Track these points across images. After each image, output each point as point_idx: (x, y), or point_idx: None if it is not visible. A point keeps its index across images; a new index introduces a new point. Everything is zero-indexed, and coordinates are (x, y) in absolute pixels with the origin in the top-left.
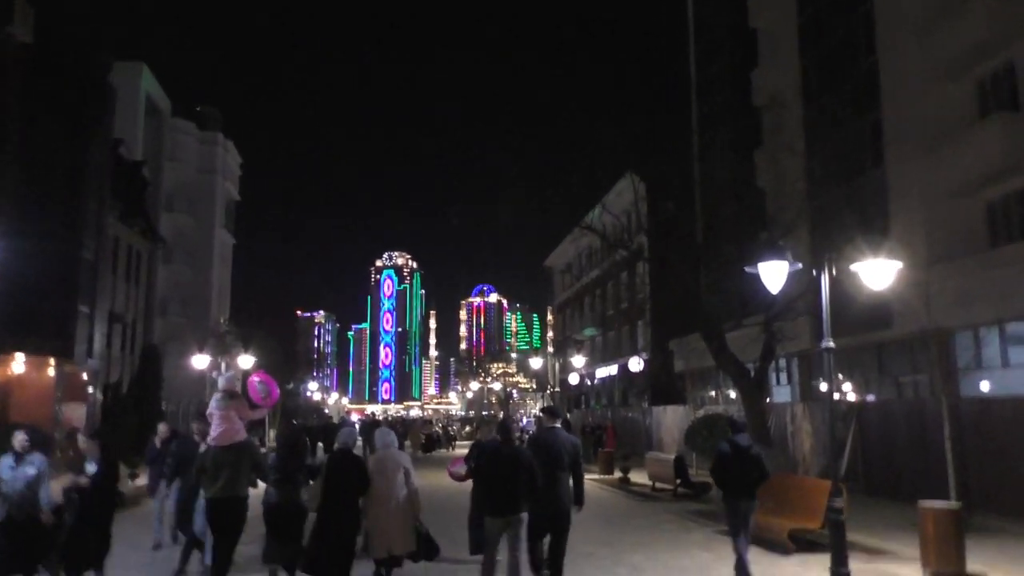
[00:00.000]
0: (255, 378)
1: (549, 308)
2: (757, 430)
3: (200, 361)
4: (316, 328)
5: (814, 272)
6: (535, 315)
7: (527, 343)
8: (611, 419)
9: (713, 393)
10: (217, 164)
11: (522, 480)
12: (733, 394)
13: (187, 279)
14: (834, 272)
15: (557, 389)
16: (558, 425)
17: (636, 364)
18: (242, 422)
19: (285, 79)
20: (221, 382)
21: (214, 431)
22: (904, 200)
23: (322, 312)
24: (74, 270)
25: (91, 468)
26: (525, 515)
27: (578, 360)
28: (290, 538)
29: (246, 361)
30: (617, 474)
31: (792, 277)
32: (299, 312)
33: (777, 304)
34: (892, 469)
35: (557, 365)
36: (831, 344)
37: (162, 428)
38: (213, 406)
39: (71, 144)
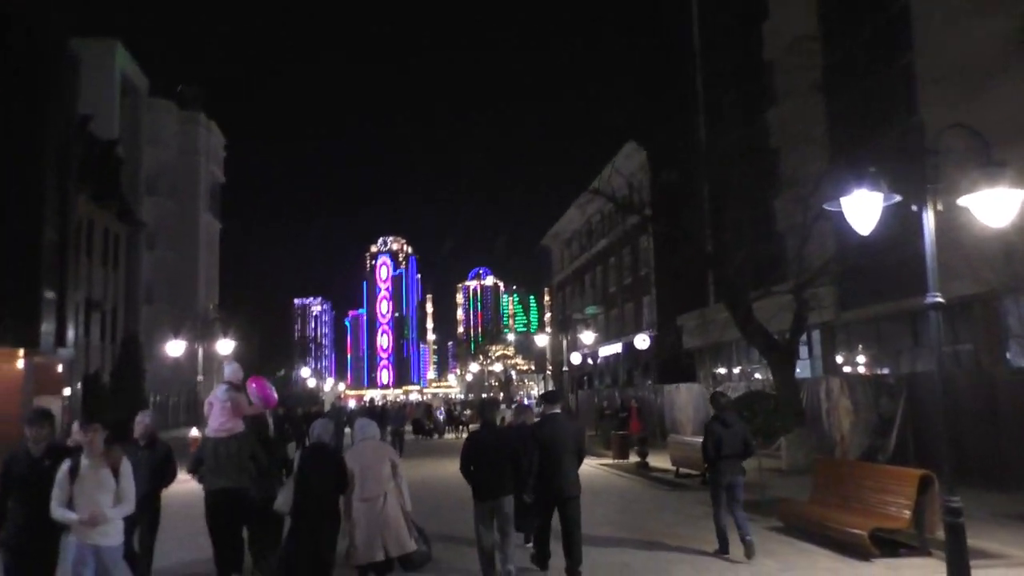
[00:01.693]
0: (252, 385)
1: (547, 288)
2: (790, 406)
3: (175, 348)
4: (312, 315)
5: (914, 207)
6: (532, 297)
7: (524, 325)
8: (634, 398)
9: (724, 370)
10: (199, 145)
11: (506, 464)
12: (751, 370)
13: (172, 265)
14: (939, 208)
15: (554, 369)
16: (558, 411)
17: (642, 341)
18: (240, 415)
19: (273, 58)
20: (226, 373)
21: (213, 422)
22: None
23: (318, 299)
24: (36, 252)
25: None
26: (510, 499)
27: (587, 336)
28: (264, 542)
29: (226, 346)
30: (633, 458)
31: (832, 235)
32: (295, 300)
33: (808, 268)
34: (956, 450)
35: (564, 342)
36: (939, 298)
37: (75, 428)
38: (216, 396)
39: (28, 117)
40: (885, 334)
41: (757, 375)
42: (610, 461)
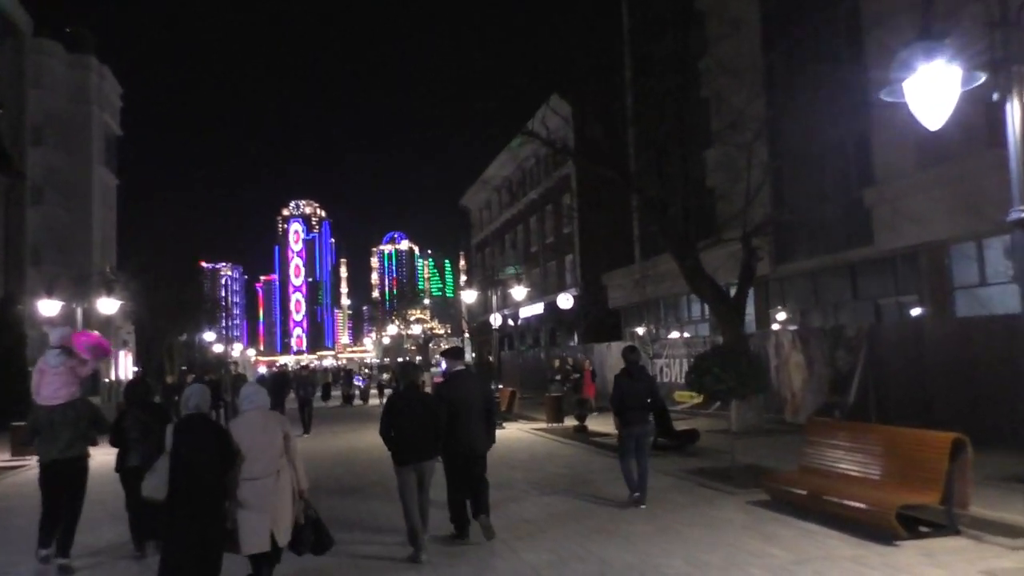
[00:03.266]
0: (86, 339)
1: (463, 253)
2: (761, 363)
3: (48, 307)
4: (222, 279)
5: (994, 96)
6: (447, 261)
7: (439, 290)
8: (588, 359)
9: (651, 328)
10: (91, 93)
11: (429, 426)
12: (683, 327)
13: (62, 222)
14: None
15: (472, 332)
16: (462, 367)
17: (565, 301)
18: (78, 379)
19: (177, 7)
20: (53, 338)
21: (46, 390)
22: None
23: (228, 264)
24: None
25: None
26: (434, 462)
27: (519, 291)
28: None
29: (109, 305)
30: (569, 422)
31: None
32: (203, 264)
33: (751, 219)
34: (920, 403)
35: (488, 302)
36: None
37: None
38: (47, 363)
39: None
40: (822, 288)
41: (686, 333)
42: (543, 425)
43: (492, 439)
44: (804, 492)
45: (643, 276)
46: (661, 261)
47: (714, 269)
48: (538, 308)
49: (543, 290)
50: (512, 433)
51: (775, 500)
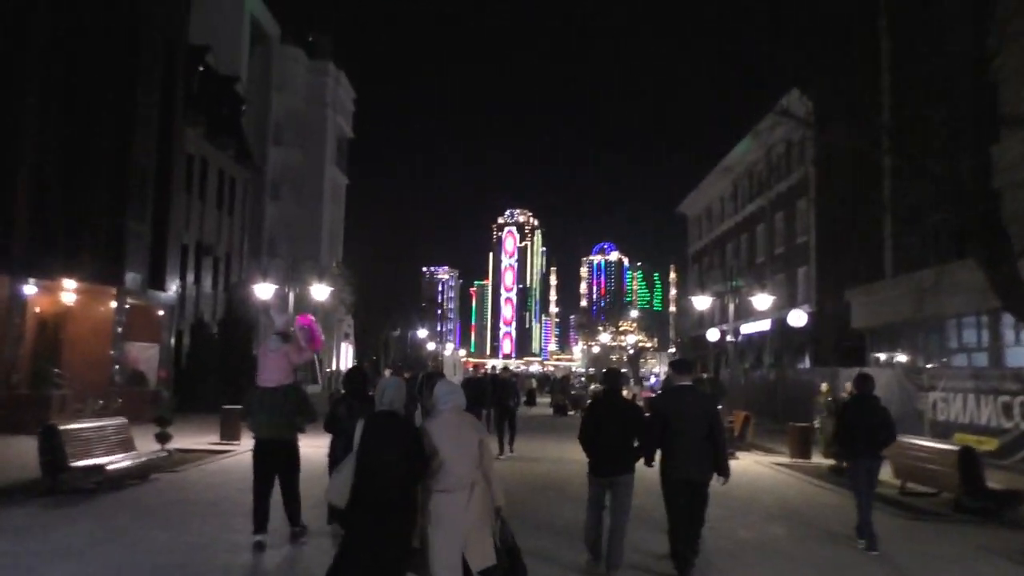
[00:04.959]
0: (302, 322)
1: (672, 265)
2: None
3: (264, 290)
4: (439, 283)
5: None
6: (656, 274)
7: (647, 302)
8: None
9: (901, 357)
10: (327, 96)
11: (629, 437)
12: (945, 356)
13: (295, 217)
14: None
15: (680, 346)
16: (689, 383)
17: (798, 318)
18: (292, 365)
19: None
20: (278, 323)
21: (264, 372)
22: None
23: (446, 268)
24: (122, 178)
25: None
26: (629, 478)
27: (762, 300)
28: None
29: (321, 291)
30: (816, 459)
31: None
32: (423, 268)
33: None
34: None
35: (708, 316)
36: None
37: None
38: (268, 346)
39: (124, 32)
40: None
41: (957, 361)
42: (786, 460)
43: (724, 470)
44: None
45: (915, 290)
46: (929, 275)
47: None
48: (763, 325)
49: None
50: (749, 466)
51: None
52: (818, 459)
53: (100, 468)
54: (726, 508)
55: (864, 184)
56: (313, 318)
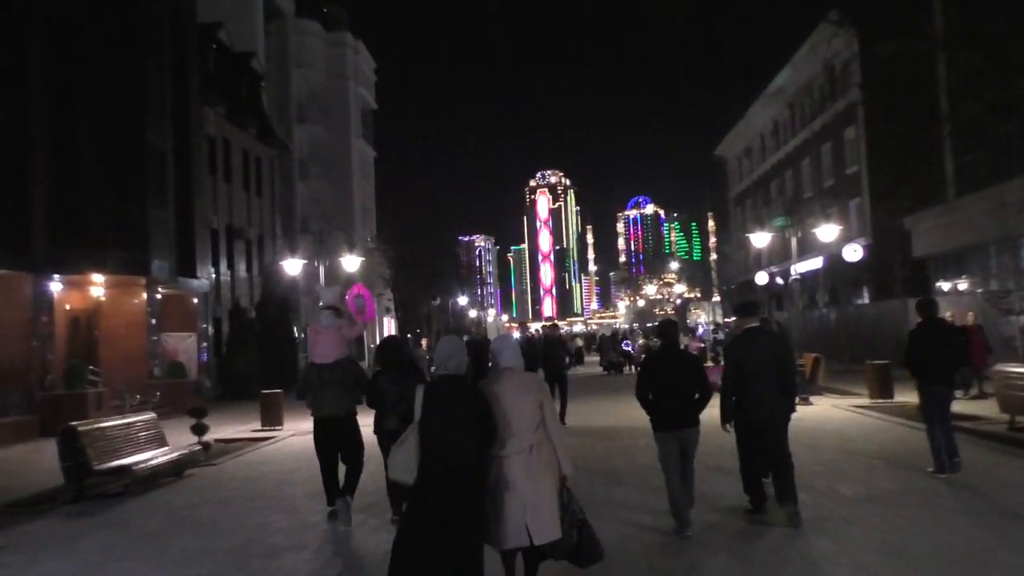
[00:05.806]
0: (356, 291)
1: (710, 213)
2: None
3: (293, 266)
4: (476, 249)
5: None
6: (694, 224)
7: (686, 253)
8: (970, 311)
9: (964, 284)
10: (348, 68)
11: (691, 389)
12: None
13: (326, 195)
14: None
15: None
16: (756, 324)
17: (853, 252)
18: (346, 340)
19: None
20: (325, 298)
21: (318, 348)
22: None
23: (481, 236)
24: (140, 160)
25: None
26: (696, 430)
27: (828, 231)
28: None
29: (352, 263)
30: (903, 398)
31: None
32: (459, 237)
33: None
34: None
35: (755, 258)
36: None
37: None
38: (319, 323)
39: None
40: None
41: None
42: (866, 402)
43: (792, 407)
44: None
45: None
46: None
47: None
48: (814, 263)
49: (818, 242)
50: (827, 411)
51: None
52: (901, 397)
53: (127, 469)
54: (820, 463)
55: (918, 104)
56: (364, 288)
